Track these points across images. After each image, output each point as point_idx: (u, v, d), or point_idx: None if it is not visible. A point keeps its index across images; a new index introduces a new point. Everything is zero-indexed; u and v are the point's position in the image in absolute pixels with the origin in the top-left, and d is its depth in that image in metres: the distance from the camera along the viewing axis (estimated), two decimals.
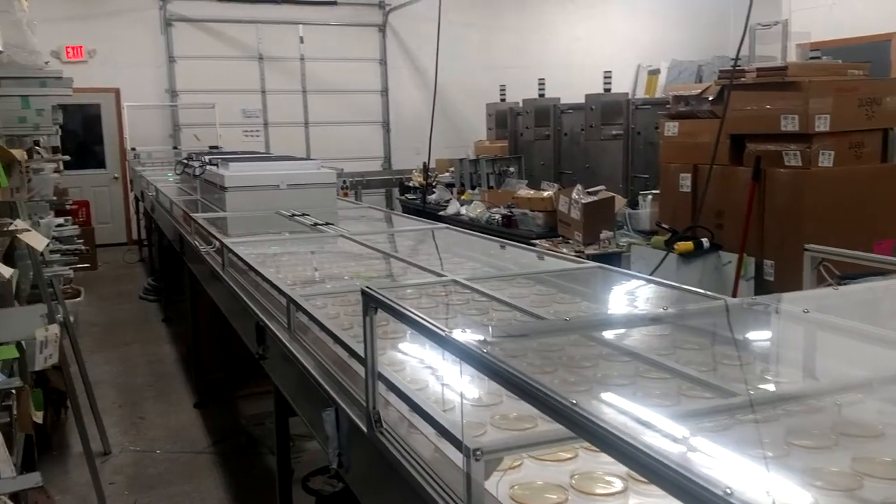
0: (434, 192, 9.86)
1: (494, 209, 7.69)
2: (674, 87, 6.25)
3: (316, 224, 4.34)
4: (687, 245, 4.47)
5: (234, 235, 4.61)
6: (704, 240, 5.06)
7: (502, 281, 3.00)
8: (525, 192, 7.28)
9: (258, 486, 4.25)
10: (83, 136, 13.06)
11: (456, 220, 7.71)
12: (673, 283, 2.47)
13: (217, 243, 3.99)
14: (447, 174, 10.63)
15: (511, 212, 7.25)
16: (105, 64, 12.43)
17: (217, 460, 4.58)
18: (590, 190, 6.58)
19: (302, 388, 2.35)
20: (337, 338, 2.05)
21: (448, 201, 9.11)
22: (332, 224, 4.39)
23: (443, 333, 1.33)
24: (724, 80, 5.36)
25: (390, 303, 1.64)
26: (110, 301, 8.94)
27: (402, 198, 10.53)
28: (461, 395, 1.55)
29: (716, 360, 1.93)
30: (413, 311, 1.56)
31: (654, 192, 6.33)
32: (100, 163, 13.10)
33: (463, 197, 8.89)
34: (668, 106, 6.61)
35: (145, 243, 11.12)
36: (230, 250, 3.65)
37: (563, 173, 8.91)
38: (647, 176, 7.81)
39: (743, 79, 5.15)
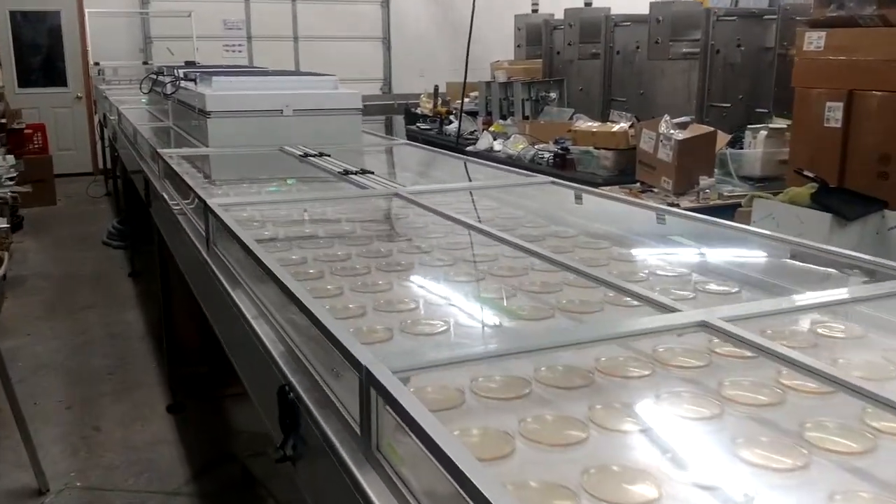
0: (451, 122, 8.35)
1: (540, 145, 6.23)
2: None
3: (347, 172, 2.87)
4: None
5: (222, 184, 3.16)
6: None
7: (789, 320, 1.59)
8: (586, 123, 5.80)
9: None
10: (42, 50, 11.32)
11: (490, 158, 6.24)
12: None
13: (197, 201, 2.53)
14: (466, 101, 9.08)
15: (566, 149, 5.78)
16: None
17: None
18: (677, 121, 5.12)
19: None
20: None
21: (473, 133, 7.63)
22: (370, 172, 2.92)
23: None
24: None
25: None
26: (69, 247, 7.45)
27: (414, 127, 8.99)
28: None
29: None
30: None
31: (771, 126, 4.89)
32: (61, 80, 11.39)
33: (492, 129, 7.39)
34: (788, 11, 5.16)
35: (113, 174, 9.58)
36: (218, 219, 2.20)
37: (613, 100, 7.40)
38: (727, 105, 6.34)
39: None
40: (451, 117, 8.47)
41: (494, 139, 6.87)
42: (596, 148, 5.45)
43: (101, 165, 11.00)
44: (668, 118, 4.99)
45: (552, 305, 1.85)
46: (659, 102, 7.05)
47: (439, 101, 9.15)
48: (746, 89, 6.45)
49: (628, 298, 1.78)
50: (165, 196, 3.02)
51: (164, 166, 3.32)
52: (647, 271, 2.14)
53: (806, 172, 4.05)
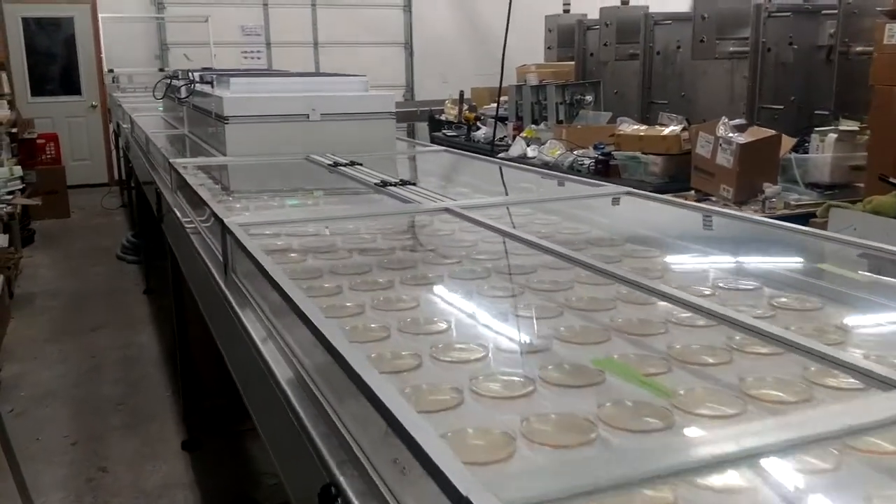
0: (479, 128, 8.00)
1: (579, 151, 5.83)
2: None
3: (385, 183, 2.48)
4: None
5: (241, 198, 2.79)
6: None
7: None
8: (631, 127, 5.39)
9: None
10: (55, 58, 11.03)
11: (525, 164, 5.85)
12: None
13: (213, 220, 2.15)
14: (493, 105, 8.71)
15: (609, 155, 5.38)
16: None
17: None
18: (733, 124, 4.71)
19: None
20: None
21: (503, 139, 7.24)
22: (411, 183, 2.53)
23: None
24: None
25: None
26: (81, 262, 7.11)
27: (440, 134, 8.61)
28: None
29: None
30: None
31: (841, 128, 4.46)
32: (75, 89, 11.09)
33: (524, 134, 6.99)
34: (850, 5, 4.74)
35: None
36: (238, 242, 1.82)
37: (653, 103, 6.99)
38: (780, 107, 5.91)
39: None
40: (479, 123, 8.11)
41: (528, 145, 6.48)
42: (643, 153, 5.05)
43: (116, 176, 10.70)
44: (726, 120, 4.58)
45: (663, 353, 1.45)
46: (702, 105, 6.65)
47: (465, 107, 8.79)
48: (799, 90, 6.01)
49: (754, 341, 1.39)
50: (177, 213, 2.64)
51: (176, 178, 2.95)
52: (765, 300, 1.74)
53: (891, 179, 3.63)
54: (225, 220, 1.92)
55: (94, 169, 11.05)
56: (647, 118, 6.80)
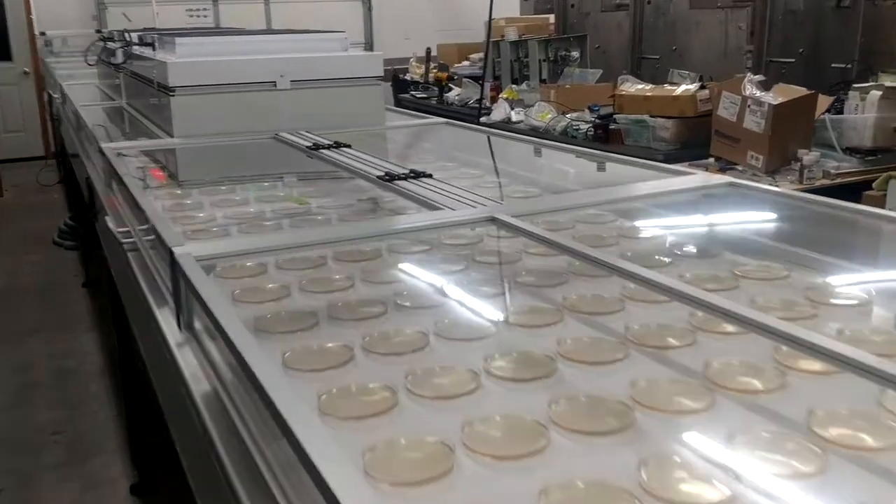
0: (452, 89, 7.36)
1: (572, 114, 5.23)
2: None
3: (392, 176, 1.84)
4: None
5: (193, 190, 2.14)
6: None
7: None
8: (635, 86, 4.77)
9: None
10: None
11: (510, 130, 5.22)
12: None
13: (160, 246, 1.51)
14: (465, 64, 8.07)
15: (609, 118, 4.78)
16: None
17: None
18: (757, 80, 4.14)
19: None
20: None
21: (480, 101, 6.59)
22: (427, 174, 1.89)
23: None
24: None
25: None
26: (14, 250, 6.35)
27: (408, 96, 7.91)
28: None
29: None
30: None
31: (887, 84, 3.91)
32: (4, 54, 10.14)
33: (504, 95, 6.35)
34: None
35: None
36: (195, 290, 1.19)
37: (644, 59, 6.39)
38: (791, 61, 5.36)
39: None
40: (451, 84, 7.46)
41: (511, 108, 5.85)
42: (651, 116, 4.46)
43: (53, 148, 9.83)
44: (751, 77, 4.00)
45: None
46: (695, 59, 6.08)
47: (432, 66, 8.11)
48: (809, 42, 5.47)
49: None
50: (111, 224, 1.98)
51: (108, 170, 2.28)
52: None
53: None
54: (176, 254, 1.29)
55: (29, 141, 10.15)
56: (637, 75, 6.22)
